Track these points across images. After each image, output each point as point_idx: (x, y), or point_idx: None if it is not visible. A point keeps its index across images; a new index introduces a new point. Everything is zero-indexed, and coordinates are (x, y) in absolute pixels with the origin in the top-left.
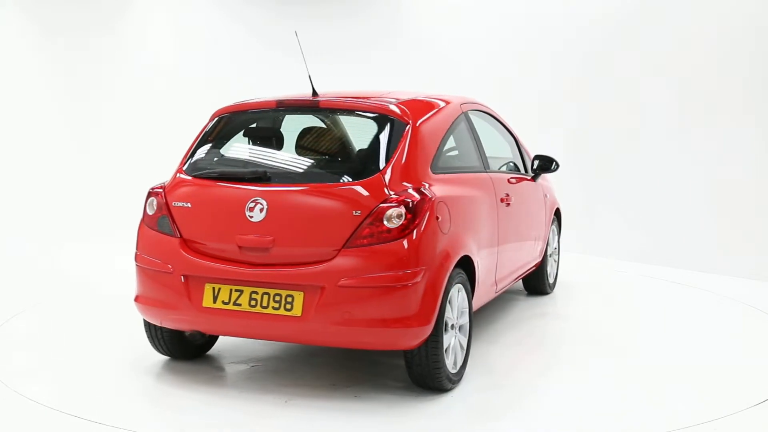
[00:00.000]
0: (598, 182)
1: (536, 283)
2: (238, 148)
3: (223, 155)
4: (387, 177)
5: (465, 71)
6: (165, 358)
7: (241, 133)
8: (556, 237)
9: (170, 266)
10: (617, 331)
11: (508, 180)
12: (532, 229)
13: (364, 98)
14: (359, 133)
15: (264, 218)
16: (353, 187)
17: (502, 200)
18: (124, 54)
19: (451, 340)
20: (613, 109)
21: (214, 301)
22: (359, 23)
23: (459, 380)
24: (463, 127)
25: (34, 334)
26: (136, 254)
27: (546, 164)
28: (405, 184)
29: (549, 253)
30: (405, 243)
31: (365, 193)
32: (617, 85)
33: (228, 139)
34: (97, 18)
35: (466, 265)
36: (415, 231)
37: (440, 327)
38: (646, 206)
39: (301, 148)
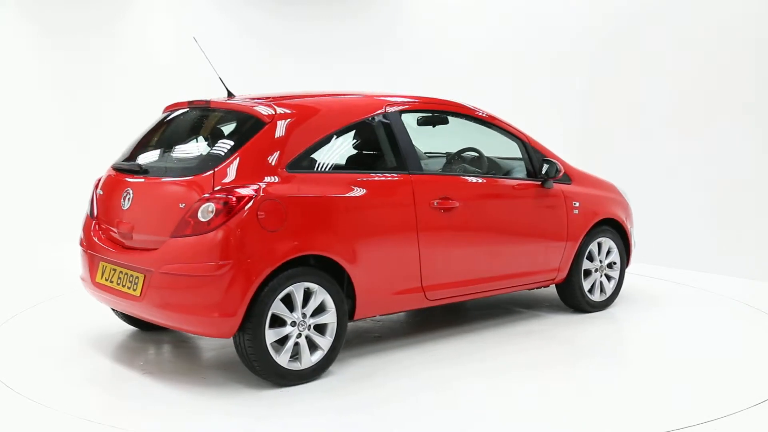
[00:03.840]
0: None
1: (571, 299)
2: (153, 143)
3: (138, 149)
4: (217, 173)
5: (465, 71)
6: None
7: (164, 129)
8: (612, 251)
9: (86, 245)
10: (615, 329)
11: (480, 183)
12: (525, 238)
13: (253, 99)
14: (228, 131)
15: (129, 207)
16: (185, 181)
17: (431, 204)
18: (124, 54)
19: (292, 338)
20: (612, 109)
21: (101, 277)
22: (359, 23)
23: (307, 378)
24: (376, 127)
25: (34, 334)
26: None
27: (550, 169)
28: (234, 181)
29: (592, 267)
30: (213, 237)
31: (192, 187)
32: (617, 85)
33: (154, 135)
34: (97, 18)
35: (335, 265)
36: (225, 226)
37: (259, 321)
38: (646, 206)
39: (183, 143)
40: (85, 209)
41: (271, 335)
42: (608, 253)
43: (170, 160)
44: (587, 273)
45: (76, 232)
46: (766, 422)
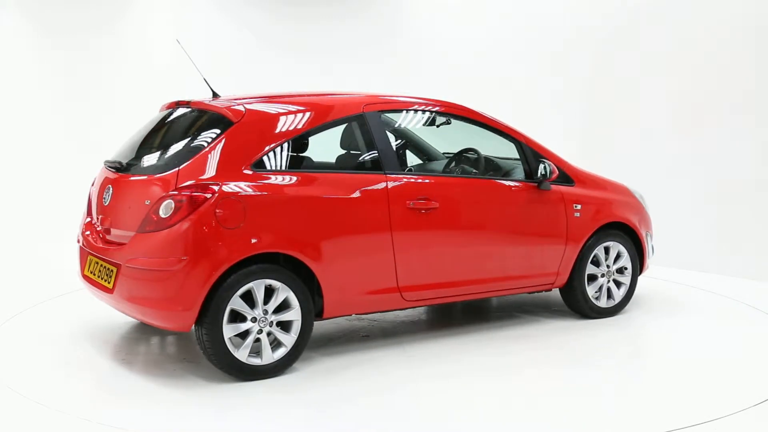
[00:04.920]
0: None
1: (574, 304)
2: (139, 141)
3: (127, 147)
4: (182, 171)
5: (465, 71)
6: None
7: (152, 127)
8: (622, 256)
9: (80, 239)
10: (616, 330)
11: (466, 183)
12: (516, 241)
13: (231, 99)
14: (200, 131)
15: (108, 202)
16: (152, 179)
17: (407, 205)
18: (124, 54)
19: (252, 333)
20: (612, 108)
21: (87, 270)
22: (359, 24)
23: (268, 374)
24: (352, 128)
25: (34, 334)
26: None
27: (543, 171)
28: (197, 179)
29: (599, 272)
30: (172, 233)
31: (158, 185)
32: (618, 85)
33: (142, 133)
34: (97, 18)
35: (300, 263)
36: (182, 223)
37: (216, 316)
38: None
39: (160, 142)
40: (84, 208)
41: (229, 330)
42: (618, 258)
43: (146, 158)
44: (593, 278)
45: (76, 231)
46: (766, 422)
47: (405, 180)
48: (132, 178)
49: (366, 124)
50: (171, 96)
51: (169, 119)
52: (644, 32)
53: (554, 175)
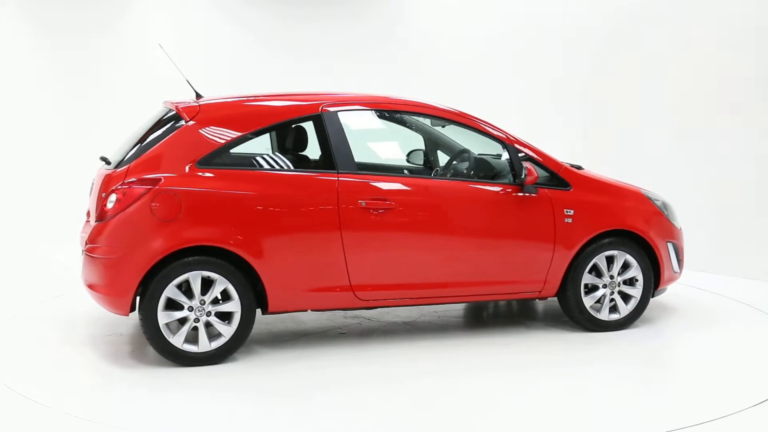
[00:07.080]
0: None
1: (570, 314)
2: (129, 138)
3: (121, 143)
4: (131, 167)
5: (466, 71)
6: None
7: (143, 125)
8: (630, 266)
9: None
10: (614, 329)
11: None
12: (489, 245)
13: (200, 100)
14: (162, 129)
15: (91, 194)
16: (111, 174)
17: (358, 204)
18: (124, 54)
19: (189, 322)
20: (612, 109)
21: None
22: (359, 24)
23: (206, 361)
24: (306, 127)
25: (34, 334)
26: None
27: (519, 173)
28: (142, 174)
29: (600, 283)
30: (112, 224)
31: (112, 179)
32: (617, 85)
33: (135, 130)
34: (97, 18)
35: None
36: (121, 215)
37: (151, 304)
38: None
39: (134, 139)
40: (84, 208)
41: (163, 317)
42: (626, 268)
43: (119, 154)
44: (595, 288)
45: (75, 231)
46: (766, 422)
47: (359, 180)
48: (102, 172)
49: (322, 123)
50: (170, 96)
51: (152, 118)
52: (644, 32)
53: (531, 178)
